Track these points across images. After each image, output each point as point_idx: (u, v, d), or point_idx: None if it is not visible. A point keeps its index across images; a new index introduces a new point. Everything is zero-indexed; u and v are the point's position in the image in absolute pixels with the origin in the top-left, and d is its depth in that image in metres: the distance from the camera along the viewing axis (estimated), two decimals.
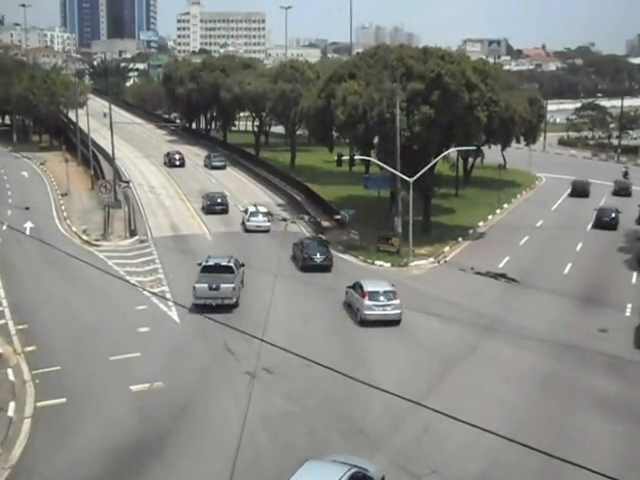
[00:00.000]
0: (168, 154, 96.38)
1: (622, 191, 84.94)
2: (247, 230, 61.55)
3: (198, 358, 34.49)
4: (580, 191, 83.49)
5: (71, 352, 35.27)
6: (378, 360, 34.41)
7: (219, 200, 68.58)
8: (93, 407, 29.36)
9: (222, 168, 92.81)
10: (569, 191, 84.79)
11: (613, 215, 66.28)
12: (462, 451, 25.61)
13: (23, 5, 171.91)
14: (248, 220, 61.81)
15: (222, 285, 40.49)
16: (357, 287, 40.29)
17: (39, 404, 29.61)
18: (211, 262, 43.32)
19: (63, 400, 29.81)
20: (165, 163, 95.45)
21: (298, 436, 26.89)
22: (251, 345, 33.02)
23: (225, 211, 67.98)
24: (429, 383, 31.54)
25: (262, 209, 63.73)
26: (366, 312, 38.56)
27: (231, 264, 42.82)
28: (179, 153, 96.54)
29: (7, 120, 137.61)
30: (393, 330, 38.91)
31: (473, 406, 28.44)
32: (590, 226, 66.85)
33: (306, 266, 49.52)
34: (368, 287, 39.48)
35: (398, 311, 38.96)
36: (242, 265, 45.06)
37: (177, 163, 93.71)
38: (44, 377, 32.17)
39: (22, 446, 26.08)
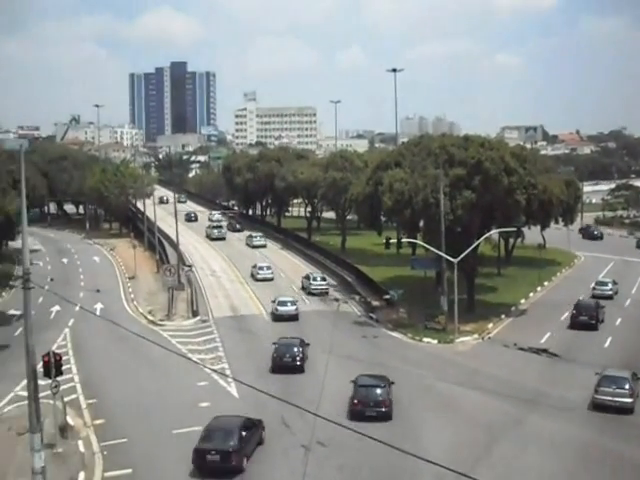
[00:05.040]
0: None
1: None
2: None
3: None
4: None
5: (137, 425, 35.46)
6: (426, 432, 33.95)
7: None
8: (157, 478, 29.30)
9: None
10: (608, 268, 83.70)
11: None
12: None
13: (97, 105, 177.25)
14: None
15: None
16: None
17: (107, 474, 29.74)
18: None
19: (129, 471, 29.88)
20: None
21: None
22: (306, 419, 32.76)
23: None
24: (475, 455, 30.99)
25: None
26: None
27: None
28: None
29: (81, 210, 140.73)
30: (440, 404, 38.52)
31: (518, 477, 27.84)
32: (628, 302, 65.67)
33: None
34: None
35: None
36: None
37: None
38: (112, 449, 32.34)
39: None
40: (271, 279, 74.32)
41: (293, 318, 58.85)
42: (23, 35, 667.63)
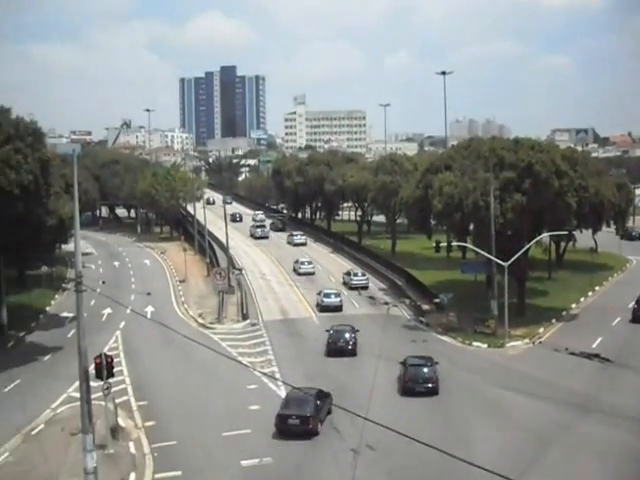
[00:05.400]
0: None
1: None
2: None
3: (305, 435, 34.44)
4: None
5: (187, 427, 35.81)
6: (476, 438, 33.67)
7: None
8: None
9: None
10: None
11: None
12: None
13: (147, 110, 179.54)
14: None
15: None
16: None
17: (157, 476, 30.09)
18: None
19: (179, 473, 30.22)
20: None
21: None
22: (355, 423, 32.72)
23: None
24: (526, 461, 30.65)
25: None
26: None
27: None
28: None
29: (132, 213, 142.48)
30: (491, 409, 38.25)
31: None
32: None
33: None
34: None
35: None
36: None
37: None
38: (162, 451, 32.72)
39: None
40: (312, 273, 79.70)
41: (337, 309, 63.24)
42: (76, 42, 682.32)
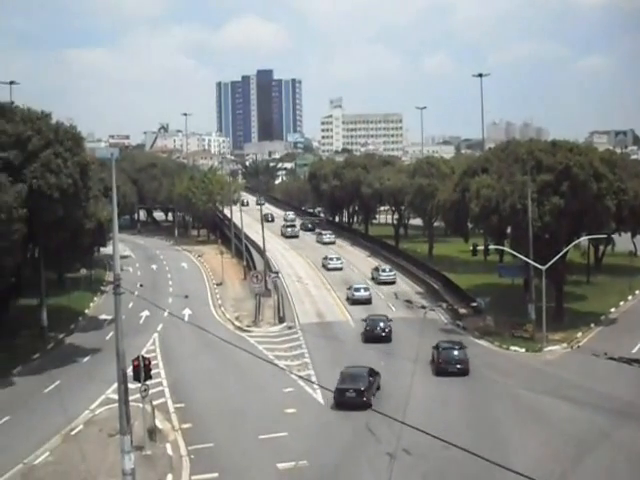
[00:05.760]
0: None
1: None
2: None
3: (341, 438, 34.45)
4: None
5: (223, 430, 36.03)
6: (513, 442, 33.43)
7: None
8: None
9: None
10: None
11: None
12: None
13: (185, 114, 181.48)
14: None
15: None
16: None
17: (194, 478, 30.30)
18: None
19: (215, 475, 30.39)
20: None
21: None
22: (391, 427, 32.72)
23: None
24: (563, 467, 30.36)
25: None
26: None
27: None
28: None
29: (169, 217, 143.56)
30: (528, 414, 37.98)
31: None
32: None
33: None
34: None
35: None
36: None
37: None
38: (199, 453, 32.92)
39: None
40: (340, 268, 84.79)
41: (367, 302, 67.59)
42: (115, 47, 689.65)
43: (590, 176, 54.74)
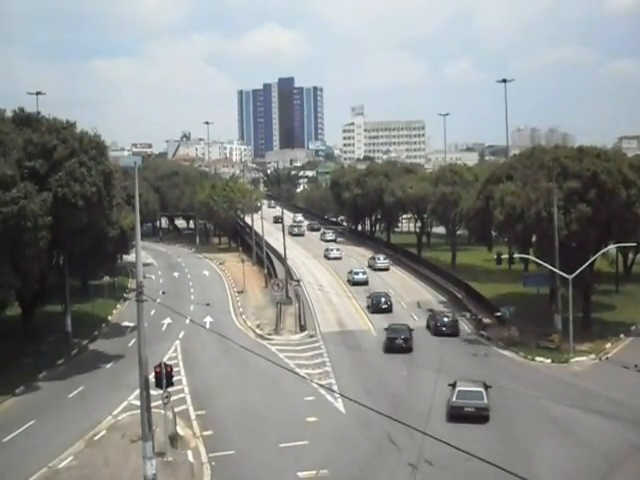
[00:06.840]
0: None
1: None
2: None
3: (362, 448, 34.37)
4: None
5: (244, 438, 36.04)
6: (538, 456, 33.09)
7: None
8: None
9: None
10: None
11: None
12: None
13: (207, 123, 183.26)
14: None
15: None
16: None
17: None
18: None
19: None
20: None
21: None
22: (413, 437, 32.57)
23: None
24: None
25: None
26: None
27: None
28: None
29: (191, 224, 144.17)
30: (555, 427, 37.50)
31: None
32: None
33: None
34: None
35: None
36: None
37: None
38: (220, 460, 33.00)
39: None
40: (340, 258, 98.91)
41: (365, 283, 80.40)
42: (137, 57, 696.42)
43: (619, 183, 54.09)
